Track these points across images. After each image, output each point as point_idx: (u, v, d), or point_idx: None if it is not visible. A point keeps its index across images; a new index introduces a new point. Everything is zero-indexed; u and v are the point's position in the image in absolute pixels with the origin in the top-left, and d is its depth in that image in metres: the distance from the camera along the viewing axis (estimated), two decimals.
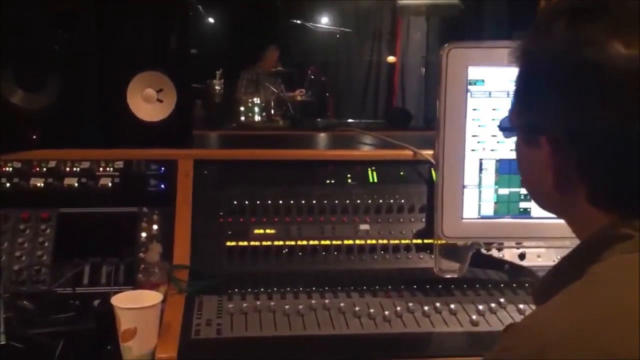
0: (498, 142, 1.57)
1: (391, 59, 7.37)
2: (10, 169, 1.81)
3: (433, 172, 1.83)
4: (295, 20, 6.89)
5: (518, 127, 0.90)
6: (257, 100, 6.16)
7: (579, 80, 0.77)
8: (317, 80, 6.79)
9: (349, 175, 1.86)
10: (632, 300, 0.69)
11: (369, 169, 1.88)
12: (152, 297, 1.39)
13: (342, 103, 7.32)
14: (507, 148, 1.58)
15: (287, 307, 1.50)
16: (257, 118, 6.08)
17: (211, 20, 7.16)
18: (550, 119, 0.81)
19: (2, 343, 1.39)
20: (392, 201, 1.82)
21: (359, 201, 1.82)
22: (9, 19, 1.79)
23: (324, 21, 7.34)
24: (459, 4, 5.81)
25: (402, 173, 1.88)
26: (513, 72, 1.49)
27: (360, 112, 7.40)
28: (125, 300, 1.36)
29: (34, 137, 1.85)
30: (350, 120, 6.24)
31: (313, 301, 1.53)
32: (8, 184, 1.79)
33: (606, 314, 0.69)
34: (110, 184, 1.82)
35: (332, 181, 1.85)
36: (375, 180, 1.87)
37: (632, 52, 0.74)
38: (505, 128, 0.94)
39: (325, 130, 2.73)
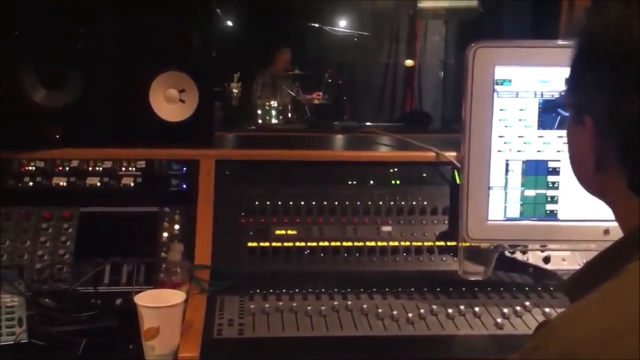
0: (525, 142, 1.56)
1: (409, 62, 7.35)
2: (33, 168, 1.82)
3: (456, 174, 1.82)
4: (313, 24, 6.88)
5: (568, 105, 0.89)
6: (274, 103, 6.16)
7: (626, 58, 0.75)
8: (335, 83, 6.78)
9: (370, 177, 1.85)
10: None
11: (391, 170, 1.86)
12: (175, 296, 1.38)
13: (359, 106, 7.31)
14: (534, 149, 1.56)
15: (309, 307, 1.48)
16: (274, 121, 6.08)
17: (229, 23, 7.18)
18: (596, 98, 0.80)
19: (24, 341, 1.39)
20: (414, 203, 1.81)
21: (381, 202, 1.81)
22: (32, 17, 1.80)
23: (342, 24, 7.33)
24: (478, 8, 5.78)
25: (424, 175, 1.86)
26: (541, 71, 1.48)
27: (377, 115, 7.38)
28: (148, 299, 1.35)
29: (57, 135, 1.85)
30: (368, 123, 6.22)
31: (335, 302, 1.52)
32: (31, 183, 1.80)
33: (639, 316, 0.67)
34: (132, 184, 1.82)
35: (354, 182, 1.84)
36: (397, 181, 1.85)
37: None
38: (559, 104, 0.93)
39: (345, 132, 2.72)
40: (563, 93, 0.91)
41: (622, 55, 0.76)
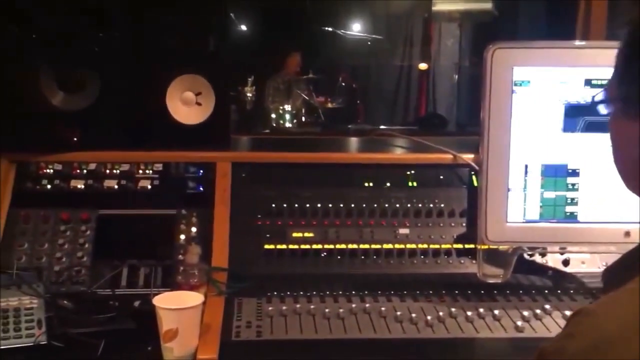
0: (544, 144, 1.54)
1: (423, 66, 7.32)
2: (51, 170, 1.83)
3: (473, 176, 1.81)
4: (326, 28, 6.88)
5: (616, 99, 0.86)
6: (287, 107, 6.17)
7: None
8: (348, 86, 6.77)
9: (387, 179, 1.84)
10: None
11: (408, 173, 1.85)
12: (193, 298, 1.38)
13: (373, 109, 7.29)
14: (554, 150, 1.54)
15: (327, 310, 1.48)
16: (288, 124, 6.09)
17: (243, 27, 7.19)
18: None
19: (43, 342, 1.39)
20: (431, 205, 1.80)
21: (398, 205, 1.80)
22: (50, 20, 1.80)
23: (356, 27, 7.32)
24: (493, 11, 5.76)
25: (441, 177, 1.85)
26: (560, 72, 1.46)
27: (391, 118, 7.36)
28: (166, 301, 1.35)
29: (74, 138, 1.86)
30: (382, 127, 6.21)
31: (353, 305, 1.51)
32: (49, 186, 1.81)
33: None
34: (149, 186, 1.83)
35: (371, 184, 1.83)
36: (415, 184, 1.84)
37: None
38: (602, 100, 0.90)
39: (359, 135, 2.71)
40: (607, 87, 0.88)
41: None
